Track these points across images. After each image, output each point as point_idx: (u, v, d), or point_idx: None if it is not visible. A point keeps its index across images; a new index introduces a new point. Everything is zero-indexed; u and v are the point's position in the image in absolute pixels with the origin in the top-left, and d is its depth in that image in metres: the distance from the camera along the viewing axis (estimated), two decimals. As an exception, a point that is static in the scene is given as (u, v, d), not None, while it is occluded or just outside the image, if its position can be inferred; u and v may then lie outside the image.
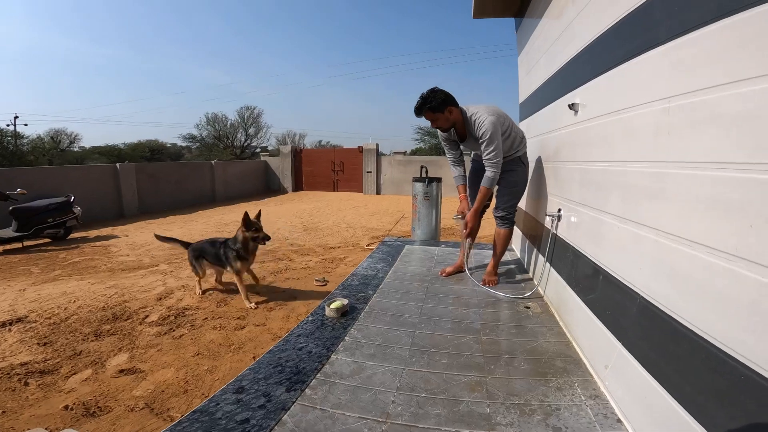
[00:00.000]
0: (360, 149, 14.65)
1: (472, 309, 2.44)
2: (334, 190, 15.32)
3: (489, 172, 2.59)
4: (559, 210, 2.33)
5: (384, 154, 14.76)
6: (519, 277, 3.09)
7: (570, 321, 2.10)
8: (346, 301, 2.36)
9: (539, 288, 2.65)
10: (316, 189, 15.63)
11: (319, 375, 1.71)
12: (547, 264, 2.49)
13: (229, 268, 3.68)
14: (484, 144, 2.53)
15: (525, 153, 2.83)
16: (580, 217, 2.05)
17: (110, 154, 28.01)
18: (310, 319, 2.27)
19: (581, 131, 2.07)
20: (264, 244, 3.73)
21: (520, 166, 2.80)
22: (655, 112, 1.31)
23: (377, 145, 14.40)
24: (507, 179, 2.78)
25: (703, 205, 1.06)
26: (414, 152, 20.71)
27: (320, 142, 37.87)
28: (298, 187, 15.79)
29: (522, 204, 3.66)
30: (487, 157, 2.55)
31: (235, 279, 3.70)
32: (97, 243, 6.75)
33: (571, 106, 2.14)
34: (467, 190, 3.00)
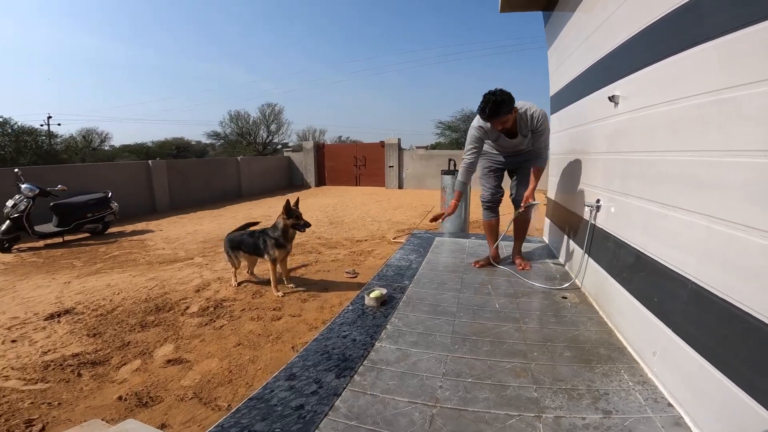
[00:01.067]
0: (382, 144, 14.68)
1: (508, 299, 2.46)
2: (356, 185, 15.42)
3: (542, 161, 2.83)
4: (598, 201, 2.32)
5: (405, 149, 14.73)
6: (553, 268, 3.08)
7: (611, 310, 2.10)
8: (384, 291, 2.41)
9: (576, 279, 2.64)
10: (339, 184, 15.76)
11: (365, 362, 1.77)
12: (585, 255, 2.48)
13: (266, 256, 3.76)
14: (542, 135, 2.72)
15: (548, 145, 3.01)
16: (622, 207, 2.03)
17: (139, 151, 28.91)
18: (350, 308, 2.33)
19: (623, 122, 2.05)
20: (304, 230, 3.81)
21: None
22: (703, 104, 1.32)
23: (399, 139, 14.40)
24: (527, 169, 2.92)
25: (753, 191, 1.09)
26: (434, 146, 20.58)
27: (340, 137, 37.98)
28: (320, 182, 15.96)
29: (553, 194, 3.64)
30: (543, 146, 2.79)
31: (269, 267, 3.81)
32: (134, 237, 7.03)
33: (611, 98, 2.12)
34: (468, 176, 2.99)
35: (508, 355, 1.81)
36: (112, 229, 7.60)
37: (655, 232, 1.68)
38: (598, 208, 2.31)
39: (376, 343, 1.93)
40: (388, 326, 2.10)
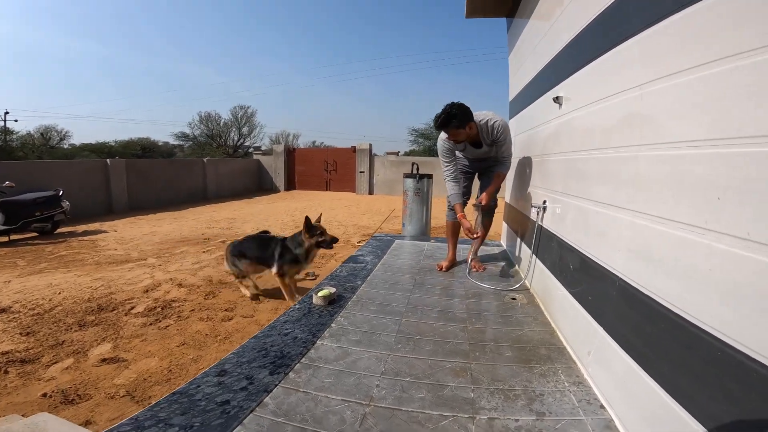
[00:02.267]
0: (353, 149, 14.66)
1: (458, 299, 2.46)
2: (326, 190, 15.30)
3: (505, 168, 2.87)
4: (544, 202, 2.36)
5: (377, 155, 14.76)
6: (507, 269, 3.12)
7: (554, 310, 2.13)
8: (333, 290, 2.36)
9: (526, 280, 2.67)
10: (309, 188, 15.60)
11: (303, 359, 1.71)
12: (533, 256, 2.52)
13: (274, 268, 3.33)
14: (504, 144, 2.75)
15: (511, 153, 3.01)
16: (563, 207, 2.07)
17: (100, 151, 27.67)
18: (297, 306, 2.27)
19: (565, 123, 2.10)
20: (331, 247, 3.40)
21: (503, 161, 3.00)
22: (629, 100, 1.35)
23: (370, 145, 14.43)
24: (492, 173, 2.95)
25: (672, 183, 1.10)
26: (408, 154, 20.74)
27: (314, 142, 37.76)
28: (290, 186, 15.75)
29: (508, 198, 3.70)
30: (506, 155, 2.82)
31: (278, 280, 3.37)
32: (85, 237, 6.70)
33: (556, 100, 2.18)
34: (458, 186, 2.94)
35: (450, 355, 1.79)
36: (63, 229, 7.24)
37: (589, 230, 1.71)
38: (544, 209, 2.35)
39: (318, 341, 1.87)
40: (332, 325, 2.05)
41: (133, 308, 3.44)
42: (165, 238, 6.66)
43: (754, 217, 0.80)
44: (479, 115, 2.69)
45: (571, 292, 1.87)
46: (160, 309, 3.41)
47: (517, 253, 3.20)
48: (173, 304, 3.53)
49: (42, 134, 28.63)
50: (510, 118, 3.89)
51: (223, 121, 30.67)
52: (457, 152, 3.05)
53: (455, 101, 2.58)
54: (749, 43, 0.82)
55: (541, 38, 2.60)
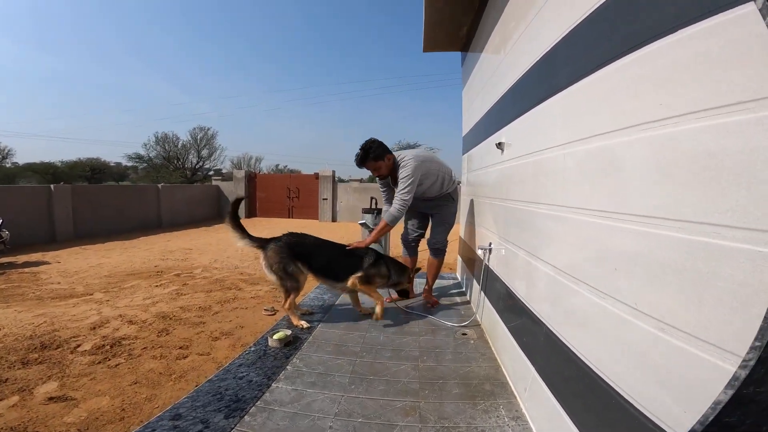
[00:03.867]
0: (316, 176, 14.72)
1: (412, 337, 2.57)
2: (289, 217, 15.17)
3: (395, 209, 2.79)
4: (490, 244, 2.55)
5: (342, 181, 14.89)
6: (460, 304, 3.28)
7: (499, 347, 2.28)
8: (289, 332, 2.41)
9: (477, 316, 2.83)
10: (271, 215, 15.40)
11: (258, 402, 1.75)
12: (482, 293, 2.69)
13: (357, 274, 2.78)
14: (401, 184, 2.79)
15: (455, 189, 3.18)
16: (504, 251, 2.26)
17: (45, 172, 26.15)
18: (252, 349, 2.30)
19: (505, 170, 2.30)
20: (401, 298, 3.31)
21: (450, 202, 3.15)
22: (558, 158, 1.49)
23: (333, 171, 14.55)
24: (441, 214, 3.13)
25: (582, 247, 1.26)
26: (372, 180, 20.99)
27: (277, 166, 37.43)
28: (251, 213, 15.49)
29: (462, 233, 3.91)
30: (400, 194, 2.79)
31: (362, 287, 2.81)
32: (26, 269, 6.30)
33: (498, 145, 2.38)
34: (407, 221, 3.26)
35: (400, 394, 1.88)
36: (2, 259, 6.76)
37: (525, 278, 1.88)
38: (490, 251, 2.54)
39: (273, 384, 1.92)
40: (288, 367, 2.10)
41: (79, 346, 3.27)
42: (114, 270, 6.36)
43: (639, 287, 0.97)
44: (404, 152, 2.92)
45: (511, 332, 2.03)
46: (108, 347, 3.26)
47: (469, 288, 3.37)
48: (123, 342, 3.39)
49: (-20, 153, 26.72)
50: (463, 153, 4.13)
51: (181, 142, 29.92)
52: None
53: (372, 138, 2.85)
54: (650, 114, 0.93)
55: (489, 77, 2.77)
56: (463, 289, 3.71)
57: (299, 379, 1.99)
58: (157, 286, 5.42)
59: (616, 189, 1.08)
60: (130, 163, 31.37)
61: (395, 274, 2.97)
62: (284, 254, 2.68)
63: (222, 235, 10.70)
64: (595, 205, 1.19)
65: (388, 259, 3.03)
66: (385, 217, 2.84)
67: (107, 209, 10.41)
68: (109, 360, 3.02)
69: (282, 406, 1.74)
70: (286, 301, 2.72)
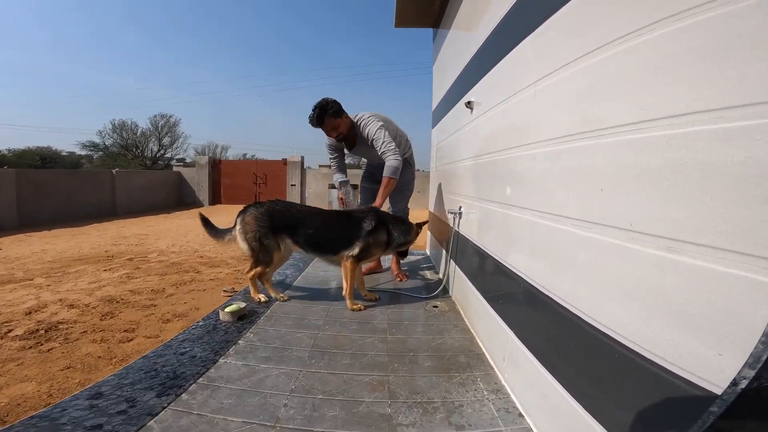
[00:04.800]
0: (284, 162, 14.26)
1: (379, 309, 2.39)
2: (255, 204, 14.67)
3: (391, 161, 2.55)
4: (460, 207, 2.40)
5: (310, 168, 14.51)
6: (430, 278, 3.12)
7: (472, 315, 2.13)
8: (243, 304, 2.17)
9: (447, 286, 2.68)
10: (237, 202, 14.80)
11: (201, 379, 1.52)
12: (452, 262, 2.54)
13: (354, 250, 2.36)
14: (377, 140, 2.59)
15: (411, 154, 3.01)
16: (474, 211, 2.11)
17: (-11, 159, 24.21)
18: (200, 323, 2.05)
19: (475, 128, 2.16)
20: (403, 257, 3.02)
21: (408, 167, 2.96)
22: (527, 98, 1.39)
23: (302, 157, 14.14)
24: (399, 180, 2.87)
25: (561, 177, 1.12)
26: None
27: (245, 154, 36.30)
28: (215, 200, 14.86)
29: (431, 207, 3.76)
30: (384, 150, 2.58)
31: (350, 265, 2.38)
32: (-40, 258, 5.71)
33: (468, 105, 2.23)
34: (360, 189, 3.09)
35: (367, 368, 1.69)
36: None
37: (499, 233, 1.74)
38: (460, 214, 2.38)
39: (220, 360, 1.69)
40: (240, 341, 1.87)
41: (10, 331, 2.97)
42: (59, 256, 5.87)
43: (634, 206, 0.82)
44: (359, 114, 2.72)
45: (485, 297, 1.88)
46: (43, 332, 2.97)
47: (439, 261, 3.23)
48: (60, 326, 3.10)
49: None
50: (432, 128, 3.98)
51: (140, 130, 28.36)
52: (365, 160, 3.06)
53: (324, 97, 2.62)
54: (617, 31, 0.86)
55: (459, 45, 2.68)
56: (432, 264, 3.56)
57: (252, 354, 1.76)
58: (105, 270, 5.01)
59: (590, 109, 0.97)
60: (84, 152, 29.59)
61: (401, 234, 2.51)
62: (263, 223, 2.34)
63: (181, 221, 10.18)
64: (573, 130, 1.06)
65: (390, 218, 2.56)
66: (386, 173, 2.51)
67: (56, 195, 9.66)
68: (42, 345, 2.75)
69: (229, 382, 1.52)
70: (250, 270, 2.44)
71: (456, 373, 1.69)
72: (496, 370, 1.70)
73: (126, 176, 11.98)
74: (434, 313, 2.37)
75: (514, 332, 1.48)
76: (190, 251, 6.28)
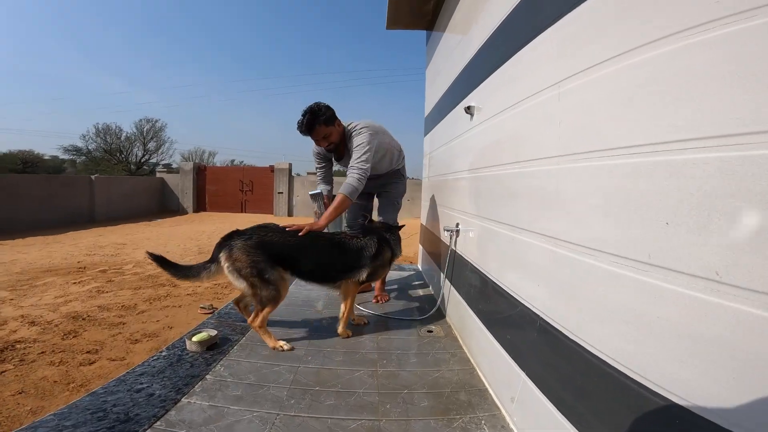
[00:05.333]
0: (271, 168, 13.97)
1: (368, 336, 2.16)
2: (242, 212, 14.30)
3: (353, 179, 2.21)
4: (458, 225, 2.20)
5: (298, 175, 14.24)
6: (423, 298, 2.91)
7: (473, 345, 1.93)
8: (214, 332, 1.93)
9: (441, 308, 2.47)
10: (222, 210, 14.45)
11: (158, 423, 1.29)
12: (447, 282, 2.33)
13: (363, 274, 2.17)
14: (356, 150, 2.29)
15: (404, 166, 2.80)
16: (475, 230, 1.91)
17: (-35, 164, 23.37)
18: (163, 353, 1.80)
19: (476, 135, 1.97)
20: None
21: (400, 179, 2.78)
22: (546, 101, 1.19)
23: (290, 164, 13.87)
24: (389, 192, 2.74)
25: (603, 203, 0.91)
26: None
27: (233, 161, 35.76)
28: (200, 207, 14.46)
29: (424, 220, 3.56)
30: (353, 164, 2.27)
31: (351, 288, 2.18)
32: None
33: (468, 110, 2.05)
34: (328, 187, 2.83)
35: (355, 410, 1.47)
36: None
37: (506, 259, 1.53)
38: (457, 232, 2.18)
39: (183, 399, 1.45)
40: (208, 376, 1.63)
41: None
42: (28, 267, 5.52)
43: (717, 249, 0.62)
44: (353, 122, 2.47)
45: (488, 327, 1.68)
46: None
47: (433, 279, 3.02)
48: (17, 346, 2.85)
49: None
50: (425, 135, 3.80)
51: (125, 134, 27.70)
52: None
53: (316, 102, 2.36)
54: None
55: (456, 45, 2.49)
56: (425, 281, 3.34)
57: (221, 392, 1.52)
58: (75, 283, 4.70)
59: (641, 119, 0.77)
60: (66, 156, 28.80)
61: (398, 247, 2.37)
62: (258, 256, 1.96)
63: (163, 229, 9.82)
64: (615, 143, 0.86)
65: (386, 231, 2.35)
66: (342, 189, 2.20)
67: (28, 201, 9.22)
68: None
69: (191, 428, 1.29)
70: (257, 315, 1.95)
71: (457, 415, 1.47)
72: (502, 410, 1.49)
73: (105, 182, 11.57)
74: (429, 339, 2.16)
75: (527, 373, 1.28)
76: (168, 262, 5.98)
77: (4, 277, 4.92)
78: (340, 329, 2.15)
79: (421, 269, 3.73)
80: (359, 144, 2.29)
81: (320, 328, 2.25)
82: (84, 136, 27.45)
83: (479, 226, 1.85)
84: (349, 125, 2.42)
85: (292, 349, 1.94)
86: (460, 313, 2.13)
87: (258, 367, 1.73)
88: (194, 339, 1.83)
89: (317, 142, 2.40)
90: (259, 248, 1.98)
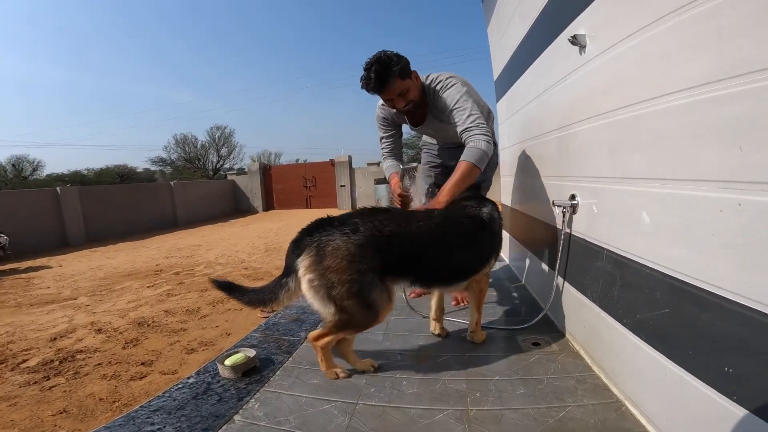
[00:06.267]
0: (332, 162, 13.86)
1: (451, 355, 1.61)
2: (307, 207, 14.43)
3: (479, 140, 1.62)
4: (573, 197, 1.56)
5: (358, 167, 13.96)
6: (517, 299, 2.28)
7: (614, 367, 1.30)
8: (253, 353, 1.51)
9: (549, 313, 1.84)
10: (289, 207, 14.71)
11: None
12: (560, 278, 1.70)
13: (486, 269, 1.65)
14: (459, 110, 1.69)
15: (494, 131, 1.97)
16: (612, 200, 1.27)
17: (74, 181, 26.55)
18: (189, 381, 1.42)
19: (596, 70, 1.33)
20: None
21: (494, 155, 1.91)
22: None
23: (349, 157, 13.62)
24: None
25: None
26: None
27: (297, 159, 36.99)
28: (269, 206, 14.84)
29: (509, 200, 2.90)
30: (469, 125, 1.65)
31: (482, 286, 1.70)
32: (23, 275, 6.03)
33: (574, 40, 1.41)
34: (396, 164, 2.08)
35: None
36: (6, 266, 6.50)
37: (710, 242, 0.88)
38: (573, 207, 1.54)
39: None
40: (236, 417, 1.20)
41: (24, 361, 2.77)
42: (112, 271, 5.80)
43: None
44: (431, 75, 1.86)
45: (646, 341, 1.05)
46: (57, 363, 2.72)
47: (531, 275, 2.38)
48: (77, 357, 2.81)
49: (14, 165, 27.45)
50: (498, 101, 3.13)
51: (200, 143, 29.79)
52: (426, 137, 2.28)
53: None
54: None
55: None
56: (519, 278, 2.68)
57: (251, 444, 1.08)
58: (149, 286, 4.77)
59: None
60: (155, 167, 31.63)
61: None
62: (365, 262, 1.32)
63: (235, 229, 10.07)
64: None
65: (494, 205, 1.72)
66: (466, 156, 1.62)
67: (119, 210, 9.99)
68: (48, 380, 2.49)
69: None
70: (325, 336, 1.41)
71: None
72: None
73: (183, 188, 12.23)
74: (537, 356, 1.56)
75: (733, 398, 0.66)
76: (236, 262, 5.92)
77: (88, 283, 5.16)
78: (477, 337, 1.70)
79: (509, 263, 3.07)
80: (457, 99, 1.69)
81: (386, 344, 1.75)
82: (166, 147, 29.98)
83: (619, 193, 1.21)
84: (428, 78, 1.83)
85: (349, 376, 1.44)
86: (587, 321, 1.50)
87: (302, 405, 1.27)
88: (227, 362, 1.43)
89: (390, 103, 1.79)
90: (370, 249, 1.32)
